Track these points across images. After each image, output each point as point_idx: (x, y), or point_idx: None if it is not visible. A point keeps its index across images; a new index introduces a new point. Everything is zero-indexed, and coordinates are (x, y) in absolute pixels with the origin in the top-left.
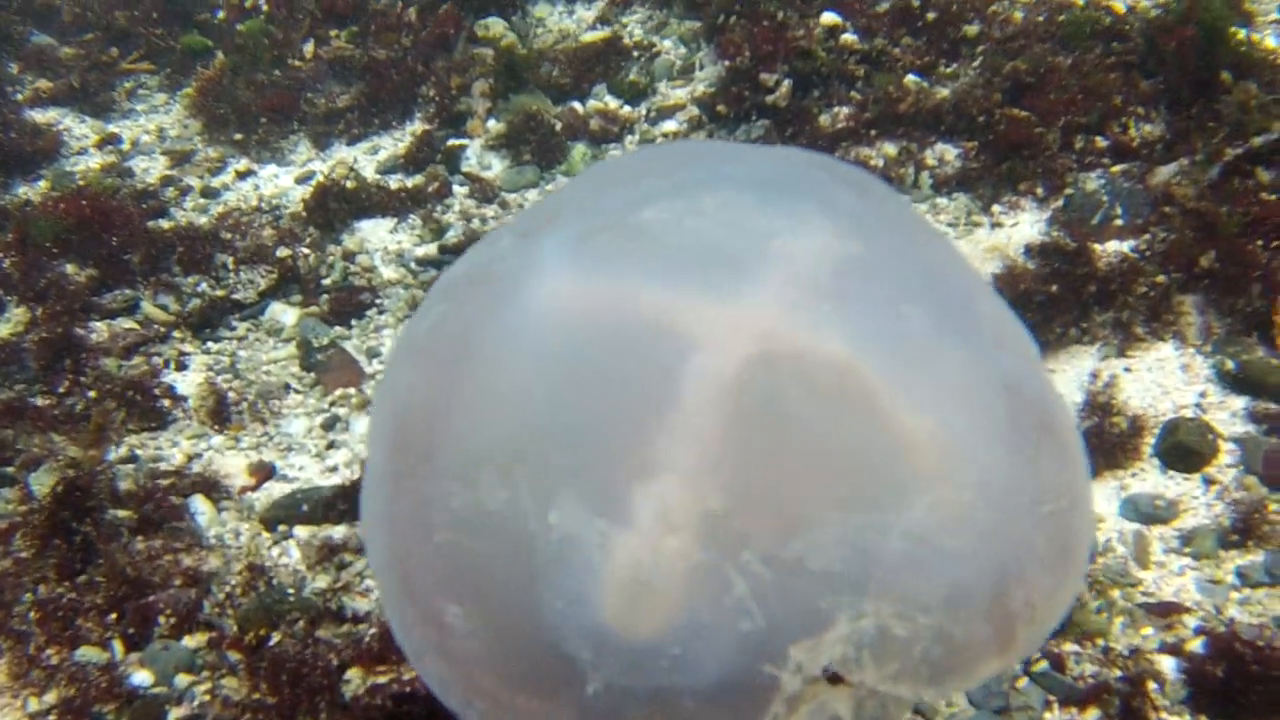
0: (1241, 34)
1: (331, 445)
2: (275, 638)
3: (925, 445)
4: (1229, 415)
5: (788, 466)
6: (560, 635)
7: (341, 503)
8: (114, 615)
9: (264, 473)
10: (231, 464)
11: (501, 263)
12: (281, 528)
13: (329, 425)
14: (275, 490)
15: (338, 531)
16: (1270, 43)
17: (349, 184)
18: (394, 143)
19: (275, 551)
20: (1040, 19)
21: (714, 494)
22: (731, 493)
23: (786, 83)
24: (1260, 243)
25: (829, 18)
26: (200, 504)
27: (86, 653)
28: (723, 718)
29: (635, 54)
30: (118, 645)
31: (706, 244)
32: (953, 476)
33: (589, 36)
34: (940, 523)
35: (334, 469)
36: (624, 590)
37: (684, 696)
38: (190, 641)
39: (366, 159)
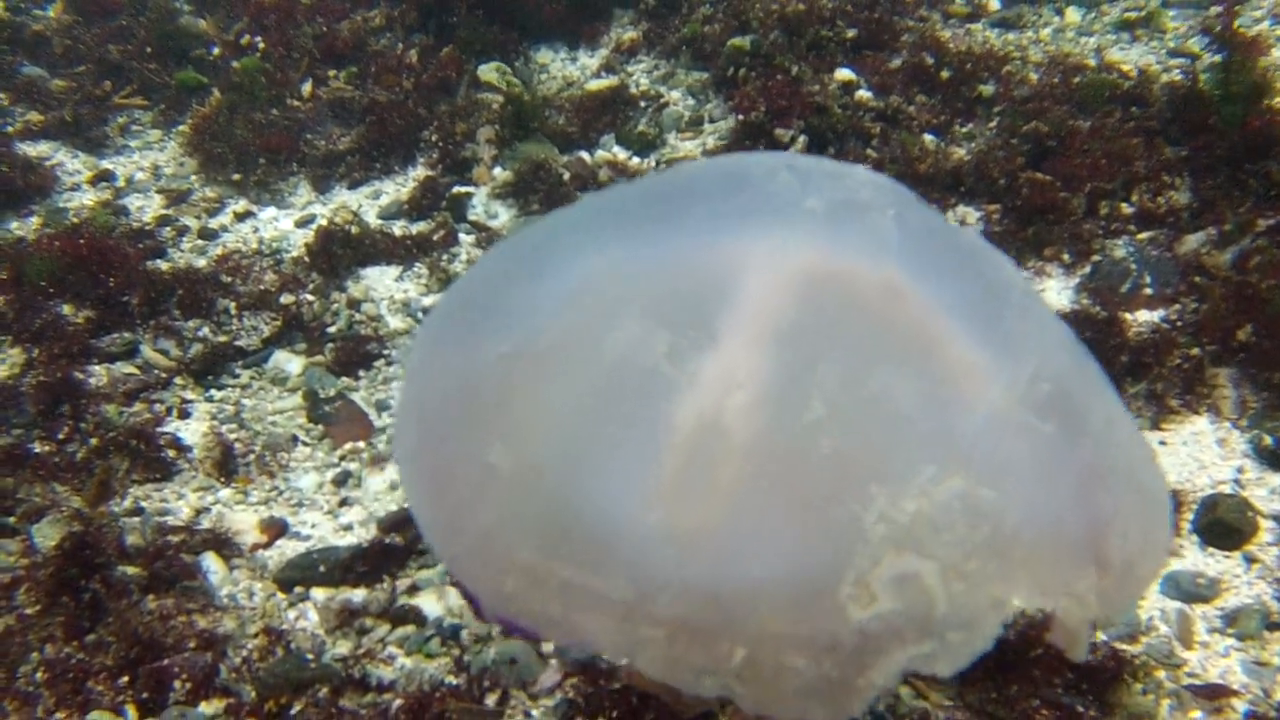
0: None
1: (344, 502)
2: (297, 707)
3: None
4: (1268, 492)
5: (854, 337)
6: (612, 494)
7: (360, 564)
8: (126, 678)
9: (276, 530)
10: (241, 519)
11: None
12: (298, 589)
13: (340, 481)
14: (288, 549)
15: (357, 594)
16: None
17: (353, 229)
18: (396, 188)
19: (292, 614)
20: (1055, 80)
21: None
22: (798, 350)
23: (802, 138)
24: None
25: (844, 74)
26: (212, 562)
27: (99, 718)
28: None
29: (643, 104)
30: (131, 711)
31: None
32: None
33: (595, 85)
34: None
35: (348, 527)
36: (689, 443)
37: (752, 566)
38: (207, 708)
39: (368, 204)
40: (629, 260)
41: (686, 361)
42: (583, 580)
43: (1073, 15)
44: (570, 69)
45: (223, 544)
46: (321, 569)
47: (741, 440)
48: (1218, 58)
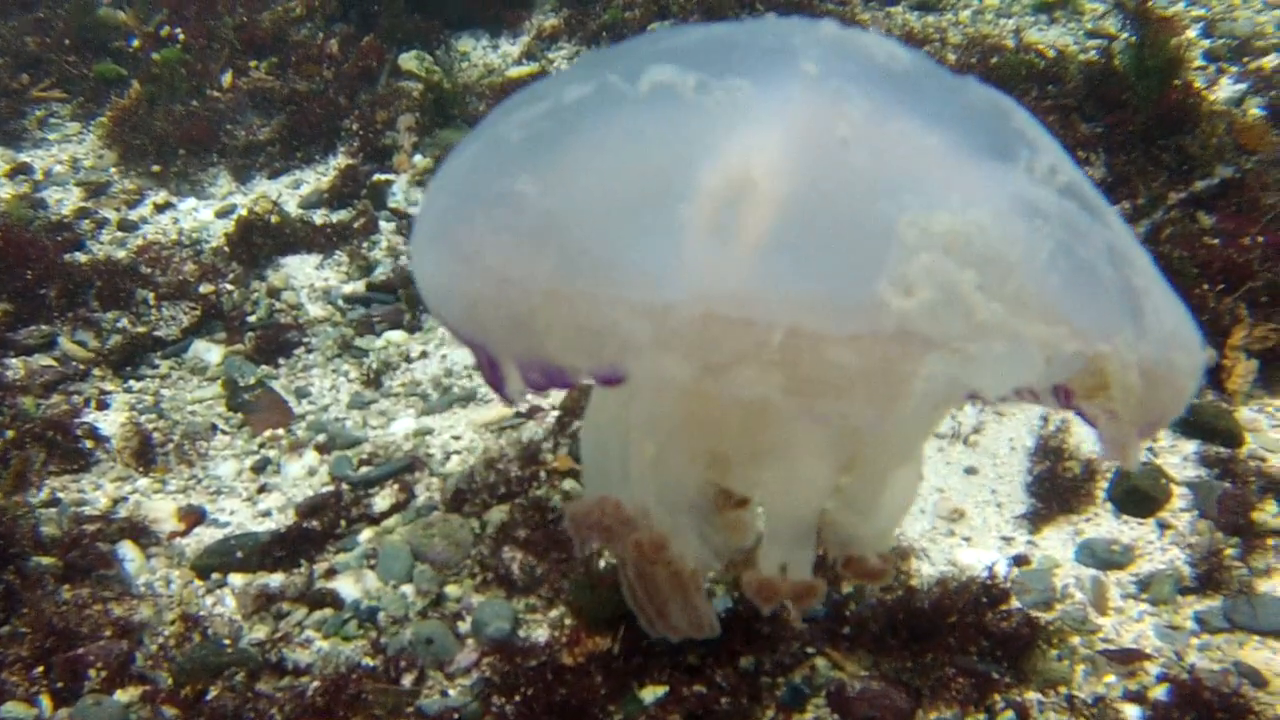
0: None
1: (263, 489)
2: (213, 692)
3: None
4: (1180, 460)
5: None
6: (642, 226)
7: (278, 549)
8: (41, 669)
9: (194, 518)
10: (159, 508)
11: None
12: (215, 575)
13: (259, 468)
14: (206, 536)
15: (275, 579)
16: (1198, 84)
17: (273, 219)
18: (317, 177)
19: (210, 600)
20: (973, 60)
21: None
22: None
23: None
24: (1207, 287)
25: None
26: (128, 550)
27: (13, 709)
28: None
29: None
30: (46, 701)
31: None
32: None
33: (516, 72)
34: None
35: (267, 514)
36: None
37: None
38: (123, 696)
39: (289, 193)
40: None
41: (715, 92)
42: (613, 293)
43: None
44: (492, 56)
45: (140, 533)
46: (239, 555)
47: (776, 161)
48: (1133, 38)
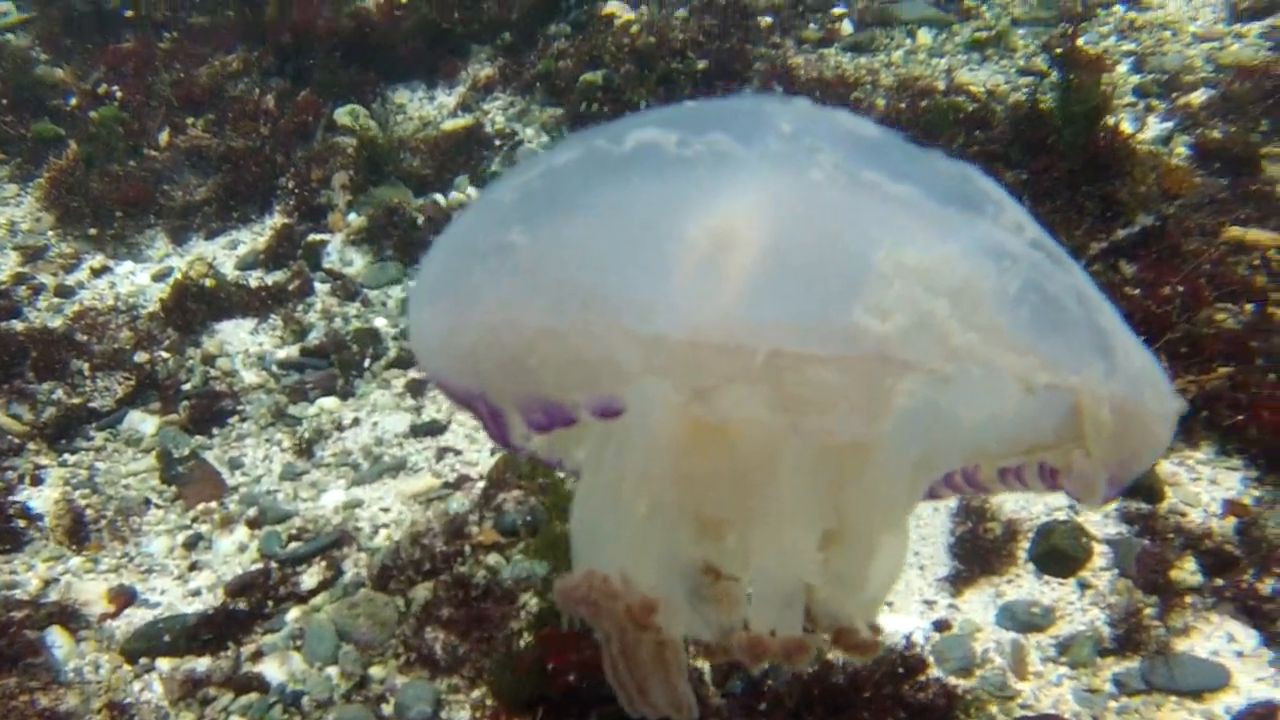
0: (1111, 121)
1: (194, 566)
2: None
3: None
4: (1101, 517)
5: None
6: (630, 273)
7: (205, 631)
8: None
9: (124, 598)
10: (90, 589)
11: None
12: (143, 660)
13: (191, 544)
14: (136, 617)
15: (202, 663)
16: (1127, 127)
17: (208, 282)
18: (254, 237)
19: (137, 686)
20: (903, 105)
21: None
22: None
23: None
24: None
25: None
26: (57, 636)
27: None
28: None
29: (498, 143)
30: None
31: None
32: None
33: (450, 125)
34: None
35: (197, 593)
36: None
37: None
38: None
39: (226, 254)
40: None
41: (696, 145)
42: (603, 327)
43: (924, 37)
44: (427, 108)
45: (69, 616)
46: (167, 638)
47: (755, 201)
48: (1062, 79)
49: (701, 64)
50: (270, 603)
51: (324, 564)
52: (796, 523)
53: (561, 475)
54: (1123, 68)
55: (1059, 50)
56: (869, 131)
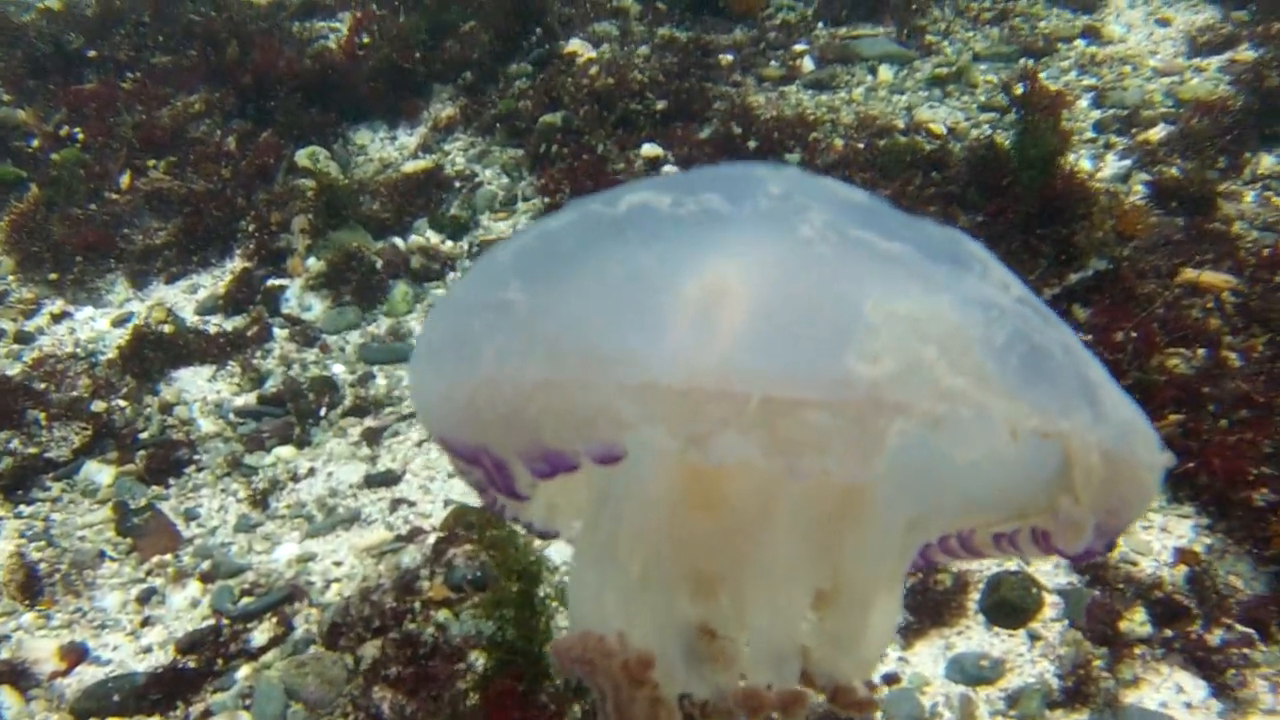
0: (1070, 159)
1: (146, 621)
2: None
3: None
4: (1052, 567)
5: None
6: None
7: (154, 691)
8: None
9: (76, 655)
10: (42, 646)
11: None
12: (93, 719)
13: (144, 599)
14: (88, 675)
15: None
16: (1086, 164)
17: (166, 328)
18: (214, 281)
19: None
20: (860, 145)
21: None
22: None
23: None
24: None
25: (650, 149)
26: (7, 696)
27: None
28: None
29: (457, 184)
30: None
31: None
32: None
33: (411, 166)
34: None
35: (148, 650)
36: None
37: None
38: None
39: (186, 299)
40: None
41: (688, 204)
42: (599, 378)
43: (885, 73)
44: (389, 149)
45: (20, 676)
46: (116, 698)
47: (748, 254)
48: (1023, 118)
49: (661, 104)
50: (220, 660)
51: (275, 620)
52: (791, 580)
53: (512, 531)
54: (1083, 103)
55: (1019, 91)
56: (858, 197)
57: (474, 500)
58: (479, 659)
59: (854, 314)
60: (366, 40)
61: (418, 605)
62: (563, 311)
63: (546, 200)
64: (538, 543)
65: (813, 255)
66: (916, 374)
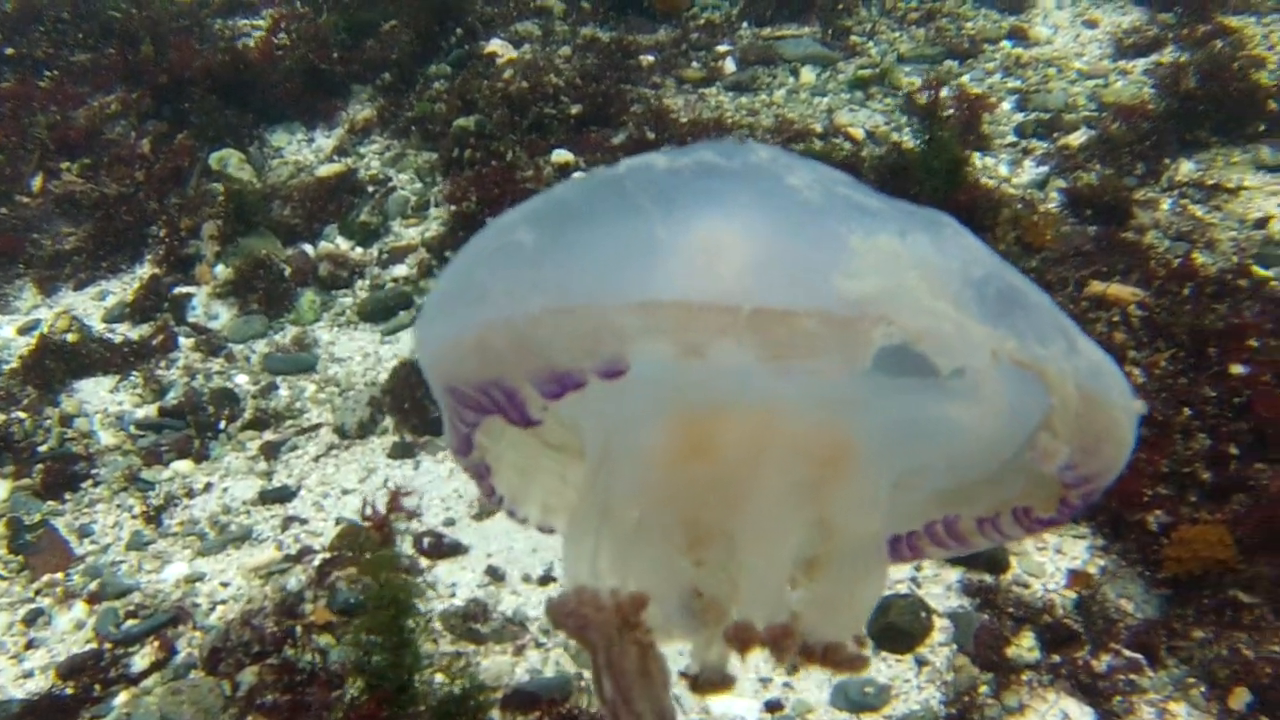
0: (976, 162)
1: (30, 644)
2: None
3: None
4: (943, 589)
5: None
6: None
7: (29, 719)
8: None
9: None
10: None
11: None
12: None
13: (30, 620)
14: None
15: None
16: (1003, 170)
17: (70, 337)
18: (124, 287)
19: None
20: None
21: None
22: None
23: None
24: None
25: (561, 155)
26: None
27: None
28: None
29: (371, 189)
30: None
31: None
32: None
33: (325, 170)
34: None
35: (29, 675)
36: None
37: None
38: None
39: (95, 305)
40: None
41: (685, 158)
42: (605, 300)
43: (808, 75)
44: (305, 151)
45: None
46: None
47: (743, 203)
48: (947, 121)
49: (575, 108)
50: (99, 686)
51: (157, 644)
52: (782, 527)
53: (391, 555)
54: (1006, 106)
55: (922, 102)
56: (838, 173)
57: (360, 520)
58: (356, 685)
59: (840, 244)
60: (284, 40)
61: (299, 629)
62: (570, 246)
63: (453, 209)
64: (426, 562)
65: (800, 199)
66: (899, 293)
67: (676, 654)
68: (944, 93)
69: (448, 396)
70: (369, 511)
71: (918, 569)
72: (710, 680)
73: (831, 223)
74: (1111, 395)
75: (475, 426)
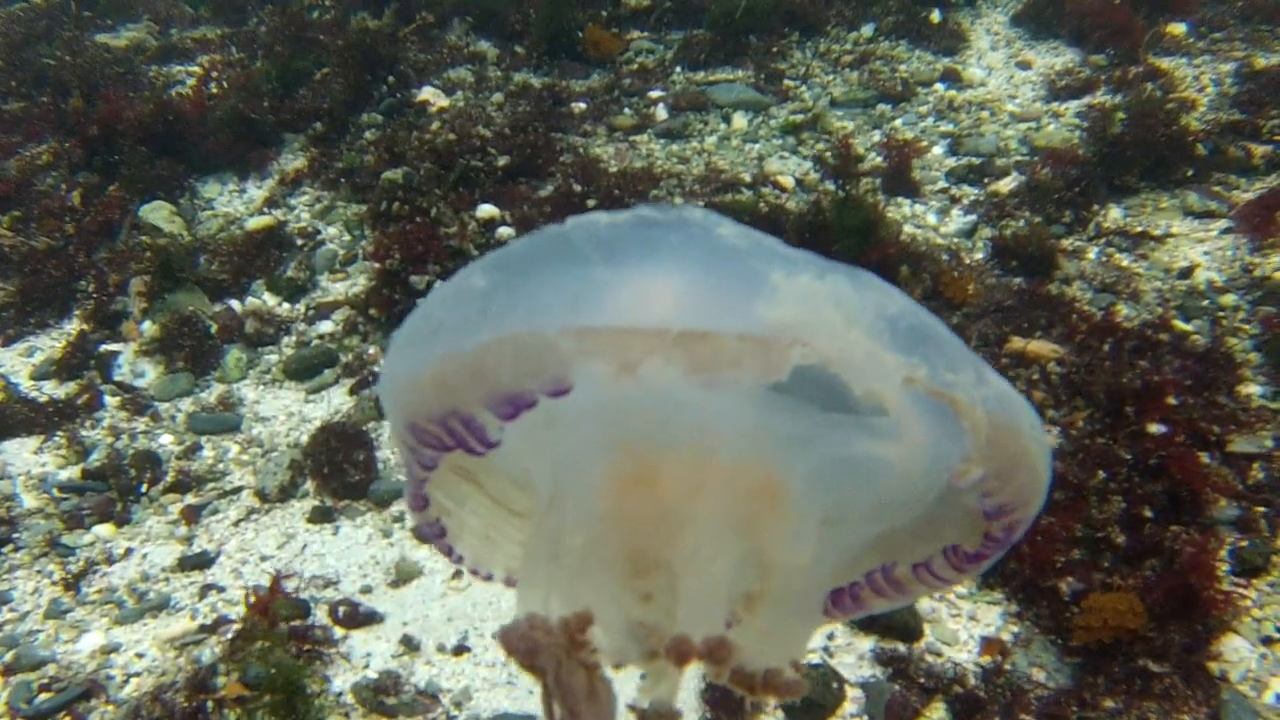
0: (905, 210)
1: None
2: None
3: None
4: (856, 658)
5: None
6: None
7: None
8: None
9: None
10: None
11: None
12: None
13: None
14: None
15: None
16: (931, 219)
17: None
18: (51, 344)
19: None
20: (701, 204)
21: None
22: None
23: (438, 284)
24: None
25: (486, 210)
26: None
27: None
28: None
29: (299, 242)
30: None
31: None
32: None
33: (255, 223)
34: None
35: None
36: None
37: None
38: None
39: (22, 362)
40: None
41: (624, 215)
42: (544, 328)
43: (740, 121)
44: (236, 203)
45: None
46: None
47: (675, 247)
48: (859, 180)
49: (503, 160)
50: None
51: (68, 719)
52: (719, 552)
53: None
54: (938, 149)
55: (832, 159)
56: (764, 234)
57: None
58: None
59: (763, 280)
60: (215, 90)
61: (211, 704)
62: (518, 286)
63: (377, 266)
64: (341, 631)
65: (728, 244)
66: (815, 321)
67: (625, 681)
68: (876, 136)
69: (409, 435)
70: (252, 600)
71: (830, 638)
72: (657, 715)
73: (756, 263)
74: (1020, 422)
75: (433, 469)
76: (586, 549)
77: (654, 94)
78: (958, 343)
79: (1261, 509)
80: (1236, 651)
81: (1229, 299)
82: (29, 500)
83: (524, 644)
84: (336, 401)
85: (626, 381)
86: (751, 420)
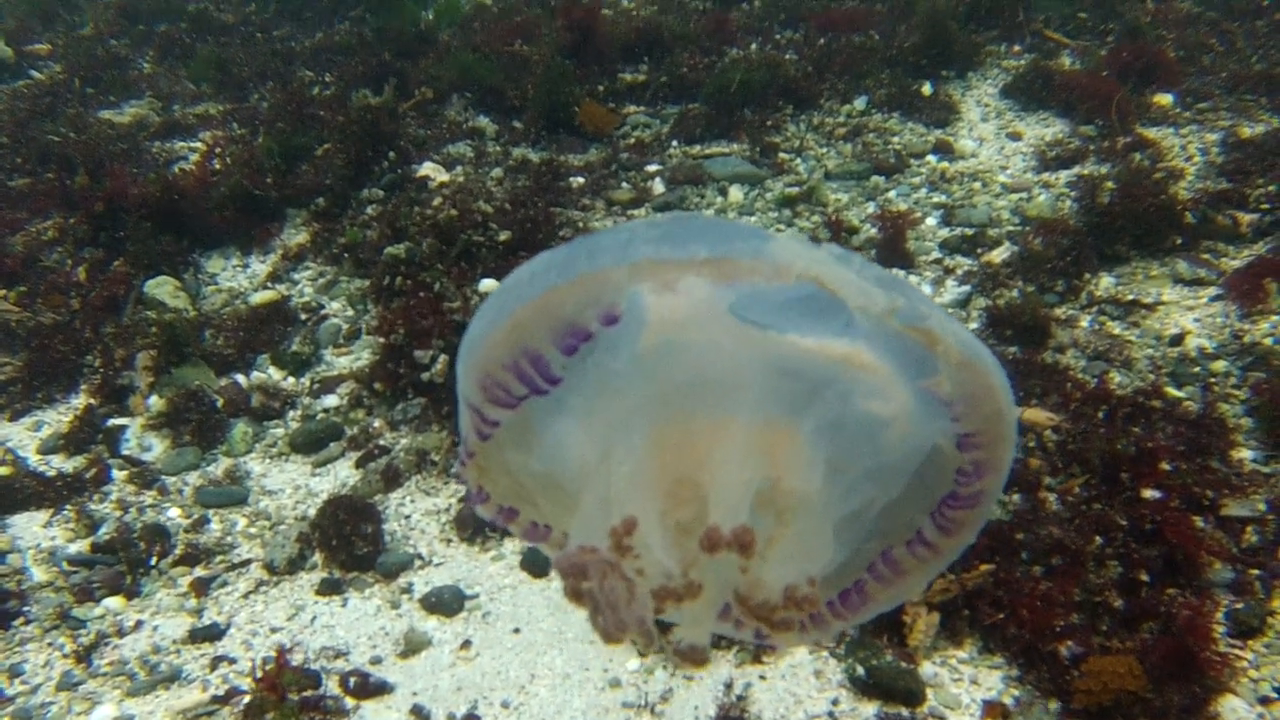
0: None
1: None
2: None
3: None
4: None
5: None
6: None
7: None
8: None
9: None
10: None
11: None
12: None
13: None
14: None
15: None
16: (927, 289)
17: (4, 470)
18: (58, 418)
19: None
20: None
21: None
22: None
23: (443, 358)
24: None
25: (489, 284)
26: None
27: None
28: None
29: (303, 316)
30: None
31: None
32: None
33: (259, 298)
34: None
35: None
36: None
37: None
38: None
39: (29, 436)
40: None
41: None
42: (600, 268)
43: (735, 194)
44: (240, 278)
45: None
46: None
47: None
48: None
49: (504, 235)
50: None
51: None
52: (742, 470)
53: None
54: (931, 220)
55: (823, 236)
56: None
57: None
58: None
59: (767, 235)
60: (218, 165)
61: None
62: (575, 255)
63: (382, 340)
64: (351, 702)
65: (742, 225)
66: (815, 259)
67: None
68: (870, 208)
69: (479, 392)
70: (259, 674)
71: (834, 703)
72: (689, 655)
73: (760, 232)
74: (985, 359)
75: (496, 426)
76: (633, 474)
77: (651, 168)
78: (928, 298)
79: (1256, 571)
80: (1235, 712)
81: (1220, 365)
82: (39, 574)
83: (574, 565)
84: (342, 475)
85: (666, 297)
86: (767, 379)
